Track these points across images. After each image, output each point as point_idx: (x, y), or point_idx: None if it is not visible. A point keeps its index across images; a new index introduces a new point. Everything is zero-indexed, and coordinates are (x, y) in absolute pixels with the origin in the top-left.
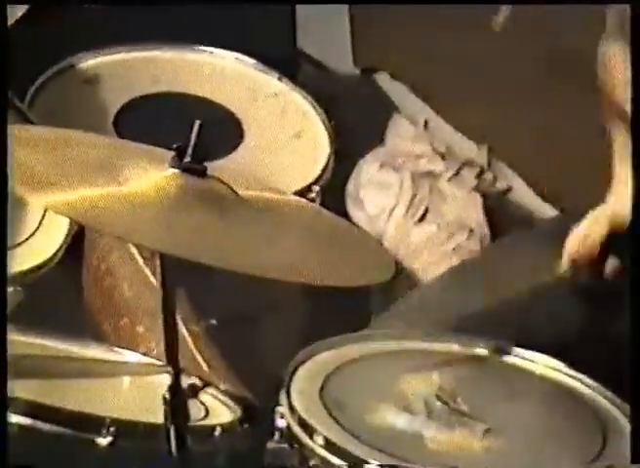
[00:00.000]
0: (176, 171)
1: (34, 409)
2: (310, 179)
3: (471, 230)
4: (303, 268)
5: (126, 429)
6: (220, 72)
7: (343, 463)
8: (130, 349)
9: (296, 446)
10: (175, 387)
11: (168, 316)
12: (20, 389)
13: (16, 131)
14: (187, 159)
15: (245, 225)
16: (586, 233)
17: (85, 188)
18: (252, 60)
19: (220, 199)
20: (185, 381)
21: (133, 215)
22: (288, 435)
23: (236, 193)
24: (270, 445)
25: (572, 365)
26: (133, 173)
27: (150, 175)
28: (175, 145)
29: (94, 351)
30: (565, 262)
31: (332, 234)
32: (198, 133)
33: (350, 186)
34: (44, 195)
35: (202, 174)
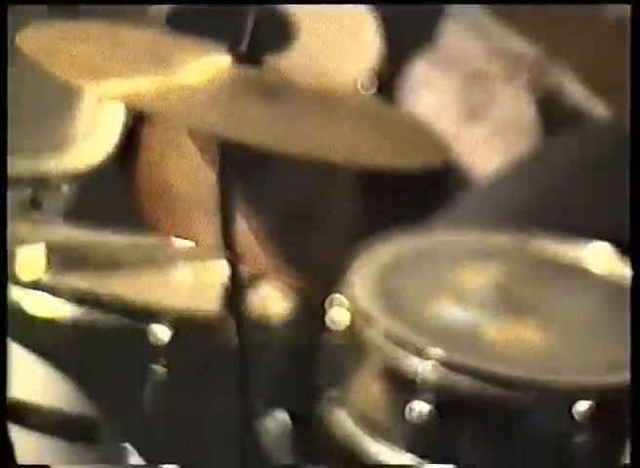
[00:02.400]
0: (231, 59)
1: (91, 300)
2: (363, 75)
3: (524, 131)
4: (358, 151)
5: (185, 319)
6: None
7: (402, 353)
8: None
9: (353, 337)
10: (234, 276)
11: (225, 205)
12: (76, 280)
13: (67, 26)
14: (243, 48)
15: (300, 111)
16: None
17: (139, 77)
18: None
19: (275, 87)
20: (244, 272)
21: (188, 101)
22: (346, 326)
23: (292, 81)
24: (329, 337)
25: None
26: (186, 62)
27: (205, 64)
28: (239, 33)
29: (150, 240)
30: None
31: (386, 120)
32: (254, 23)
33: (402, 85)
34: (100, 85)
35: (258, 63)
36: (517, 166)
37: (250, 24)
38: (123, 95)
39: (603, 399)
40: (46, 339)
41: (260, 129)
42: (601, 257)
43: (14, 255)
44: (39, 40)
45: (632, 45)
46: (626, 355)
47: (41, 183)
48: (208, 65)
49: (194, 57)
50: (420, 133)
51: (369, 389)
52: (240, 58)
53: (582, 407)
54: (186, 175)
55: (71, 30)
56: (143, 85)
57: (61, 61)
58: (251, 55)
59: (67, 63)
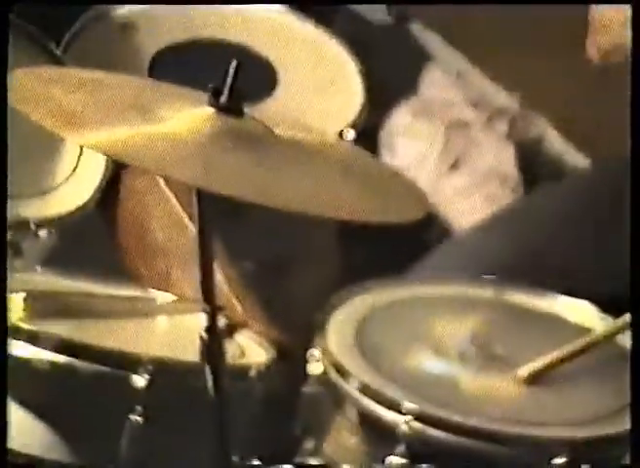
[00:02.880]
0: (212, 110)
1: (71, 348)
2: (344, 125)
3: (503, 179)
4: (338, 204)
5: (163, 368)
6: (253, 19)
7: (377, 407)
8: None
9: (330, 389)
10: (211, 327)
11: (204, 257)
12: (56, 328)
13: (52, 72)
14: (224, 99)
15: (281, 162)
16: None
17: (121, 127)
18: (286, 7)
19: (256, 138)
20: (221, 322)
21: (169, 152)
22: (322, 378)
23: (272, 132)
24: (306, 388)
25: (606, 309)
26: (168, 112)
27: (186, 115)
28: (211, 85)
29: (130, 292)
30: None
31: (366, 172)
32: (235, 73)
33: (383, 135)
34: (81, 134)
35: (239, 113)
36: (496, 218)
37: (230, 74)
38: (105, 144)
39: (581, 453)
40: (24, 386)
41: (240, 180)
42: (578, 311)
43: None
44: (24, 85)
45: (632, 45)
46: (608, 405)
47: (20, 229)
48: (189, 116)
49: (176, 107)
50: (400, 186)
51: (344, 440)
52: (221, 109)
53: (561, 459)
54: (165, 223)
55: (56, 76)
56: (125, 134)
57: (44, 108)
58: (231, 105)
59: (50, 111)
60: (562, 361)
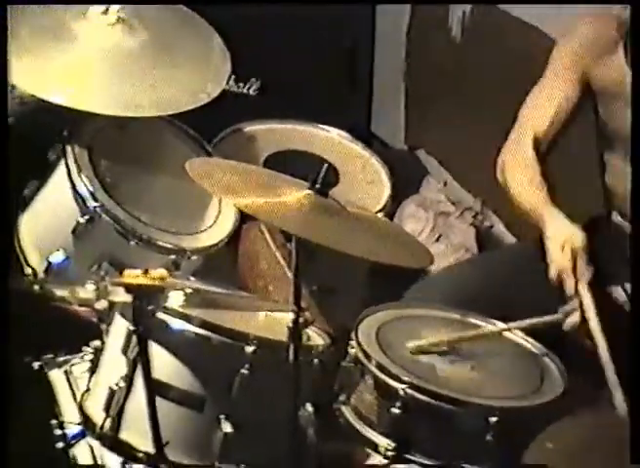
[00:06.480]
0: (311, 191)
1: (208, 326)
2: (379, 207)
3: (467, 249)
4: (375, 251)
5: (263, 343)
6: (327, 139)
7: (386, 377)
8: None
9: (358, 365)
10: (295, 321)
11: (296, 280)
12: (200, 313)
13: (213, 161)
14: (318, 185)
15: (348, 225)
16: (561, 249)
17: (256, 196)
18: (346, 134)
19: (335, 210)
20: (300, 319)
21: (285, 214)
22: (354, 358)
23: (344, 207)
24: (344, 363)
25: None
26: (284, 190)
27: (294, 193)
28: (310, 177)
29: (243, 295)
30: (553, 272)
31: (394, 234)
32: (325, 171)
33: (397, 216)
34: (233, 199)
35: (325, 194)
36: (459, 265)
37: (322, 171)
38: (248, 206)
39: (507, 415)
40: (180, 346)
41: (324, 234)
42: (517, 331)
43: (167, 296)
44: (202, 169)
45: (632, 45)
46: (523, 389)
47: (180, 253)
48: (295, 194)
49: (288, 187)
50: (416, 244)
51: (364, 397)
52: (316, 191)
53: (494, 418)
54: (266, 258)
55: (216, 163)
56: (260, 201)
57: (215, 184)
58: (321, 189)
59: (214, 183)
60: (462, 340)
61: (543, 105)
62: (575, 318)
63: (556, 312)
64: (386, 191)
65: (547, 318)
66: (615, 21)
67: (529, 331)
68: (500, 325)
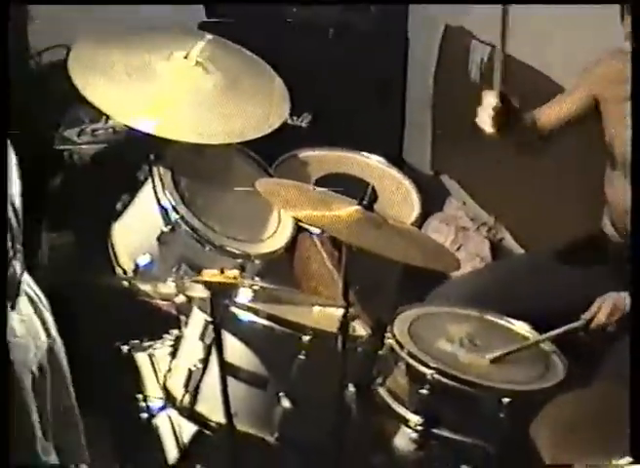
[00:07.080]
0: (360, 207)
1: (273, 318)
2: (409, 223)
3: (482, 258)
4: (412, 256)
5: (318, 333)
6: (366, 164)
7: (416, 363)
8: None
9: (393, 353)
10: (345, 316)
11: (345, 281)
12: (267, 307)
13: (276, 181)
14: (365, 202)
15: (389, 235)
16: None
17: (312, 210)
18: (383, 160)
19: (379, 223)
20: (348, 313)
21: (339, 225)
22: (390, 347)
23: (386, 220)
24: (381, 351)
25: (540, 326)
26: (336, 206)
27: (346, 208)
28: (358, 195)
29: (300, 293)
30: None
31: (426, 243)
32: (371, 190)
33: (423, 229)
34: (291, 210)
35: (372, 209)
36: (478, 271)
37: (369, 191)
38: (302, 217)
39: (517, 396)
40: (249, 333)
41: (371, 241)
42: (525, 327)
43: (237, 293)
44: (269, 187)
45: (632, 46)
46: (531, 377)
47: (246, 258)
48: (346, 210)
49: (340, 204)
50: (446, 252)
51: (398, 380)
52: (364, 207)
53: (506, 399)
54: (317, 262)
55: (279, 182)
56: (314, 214)
57: (279, 199)
58: (368, 205)
59: (279, 199)
60: (510, 353)
61: (554, 101)
62: (598, 321)
63: (568, 315)
64: (416, 208)
65: (573, 325)
66: (626, 56)
67: (554, 338)
68: (536, 335)
